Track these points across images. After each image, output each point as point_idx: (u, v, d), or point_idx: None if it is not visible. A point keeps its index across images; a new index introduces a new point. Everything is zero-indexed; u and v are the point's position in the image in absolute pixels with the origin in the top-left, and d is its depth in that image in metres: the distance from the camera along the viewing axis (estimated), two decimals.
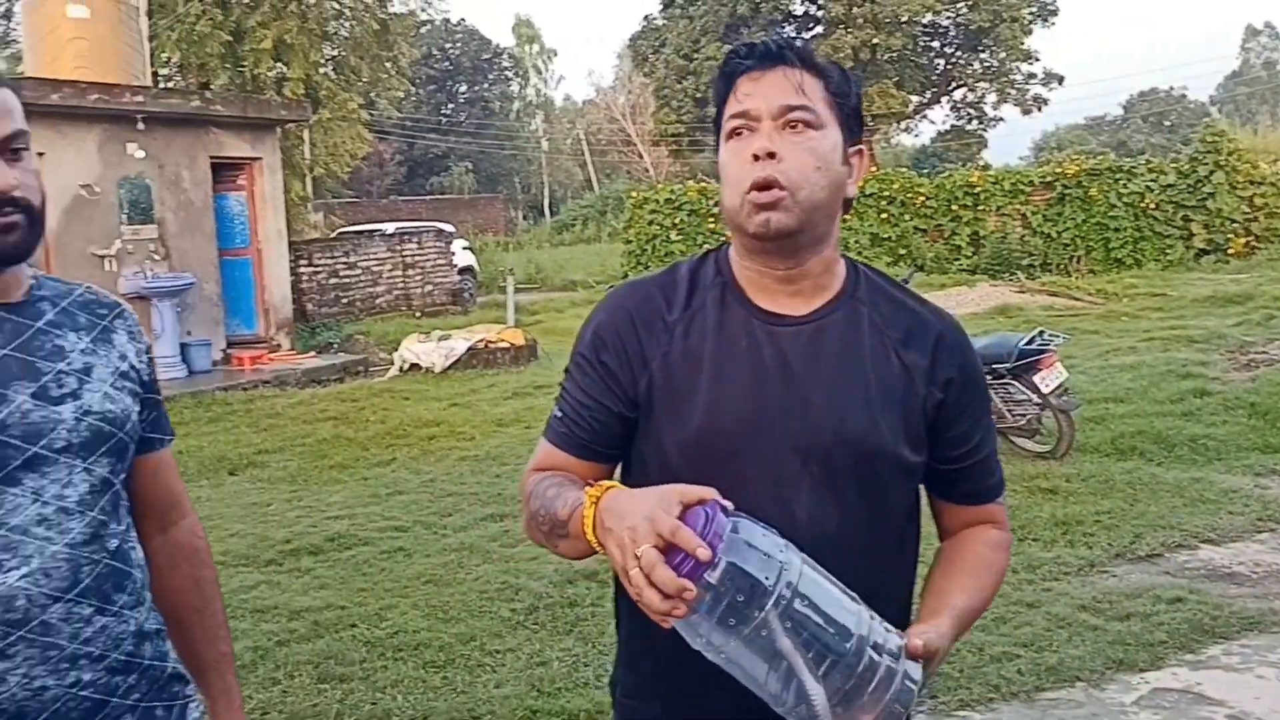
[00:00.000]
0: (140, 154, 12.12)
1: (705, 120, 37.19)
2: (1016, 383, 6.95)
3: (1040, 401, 6.90)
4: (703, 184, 21.04)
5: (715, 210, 20.02)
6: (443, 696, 3.98)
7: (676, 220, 20.17)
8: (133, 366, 1.59)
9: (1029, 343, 6.98)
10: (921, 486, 1.56)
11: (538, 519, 1.45)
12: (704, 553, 1.14)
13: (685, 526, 1.16)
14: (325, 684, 4.13)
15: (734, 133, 1.45)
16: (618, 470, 1.58)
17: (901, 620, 1.40)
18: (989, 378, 7.00)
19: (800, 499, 1.42)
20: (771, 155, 1.40)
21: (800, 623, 1.17)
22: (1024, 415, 6.96)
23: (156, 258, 12.29)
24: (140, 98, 12.11)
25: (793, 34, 37.46)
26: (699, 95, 34.96)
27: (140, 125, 12.00)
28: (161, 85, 18.37)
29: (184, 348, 12.13)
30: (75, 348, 1.51)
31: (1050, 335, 7.15)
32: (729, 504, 1.21)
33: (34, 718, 1.40)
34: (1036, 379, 6.88)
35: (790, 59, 1.45)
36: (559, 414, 1.55)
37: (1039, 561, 5.17)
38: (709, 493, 1.20)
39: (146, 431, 1.61)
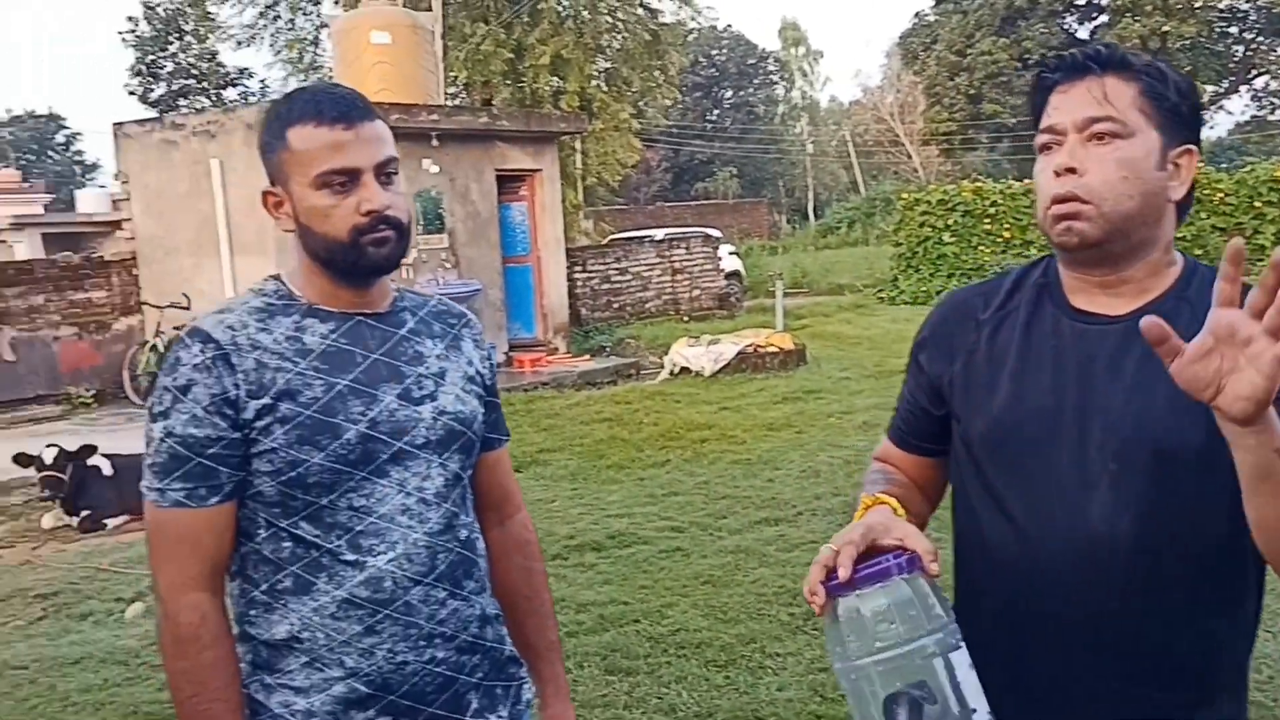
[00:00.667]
0: (434, 169, 12.93)
1: (979, 118, 36.04)
2: None
3: None
4: (977, 184, 20.33)
5: (991, 211, 19.34)
6: (726, 695, 4.06)
7: (950, 221, 19.54)
8: (478, 371, 1.74)
9: None
10: None
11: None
12: (843, 573, 1.25)
13: (852, 550, 1.28)
14: (613, 676, 4.30)
15: (1044, 148, 1.47)
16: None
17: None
18: None
19: (1095, 497, 1.40)
20: (1071, 170, 1.41)
21: (902, 695, 1.21)
22: None
23: (447, 266, 13.07)
24: (435, 116, 12.92)
25: (1074, 23, 35.77)
26: (972, 92, 33.91)
27: (434, 142, 12.79)
28: (451, 103, 19.51)
29: None
30: (432, 353, 1.67)
31: None
32: (930, 567, 1.28)
33: (396, 689, 1.56)
34: None
35: (1095, 68, 1.43)
36: (895, 409, 1.68)
37: None
38: (918, 546, 1.29)
39: (488, 431, 1.76)
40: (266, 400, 1.52)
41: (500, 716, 1.68)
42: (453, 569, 1.61)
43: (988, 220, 19.21)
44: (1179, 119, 1.45)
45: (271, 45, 28.00)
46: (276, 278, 1.66)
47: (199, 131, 12.30)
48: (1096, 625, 1.40)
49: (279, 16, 27.24)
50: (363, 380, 1.58)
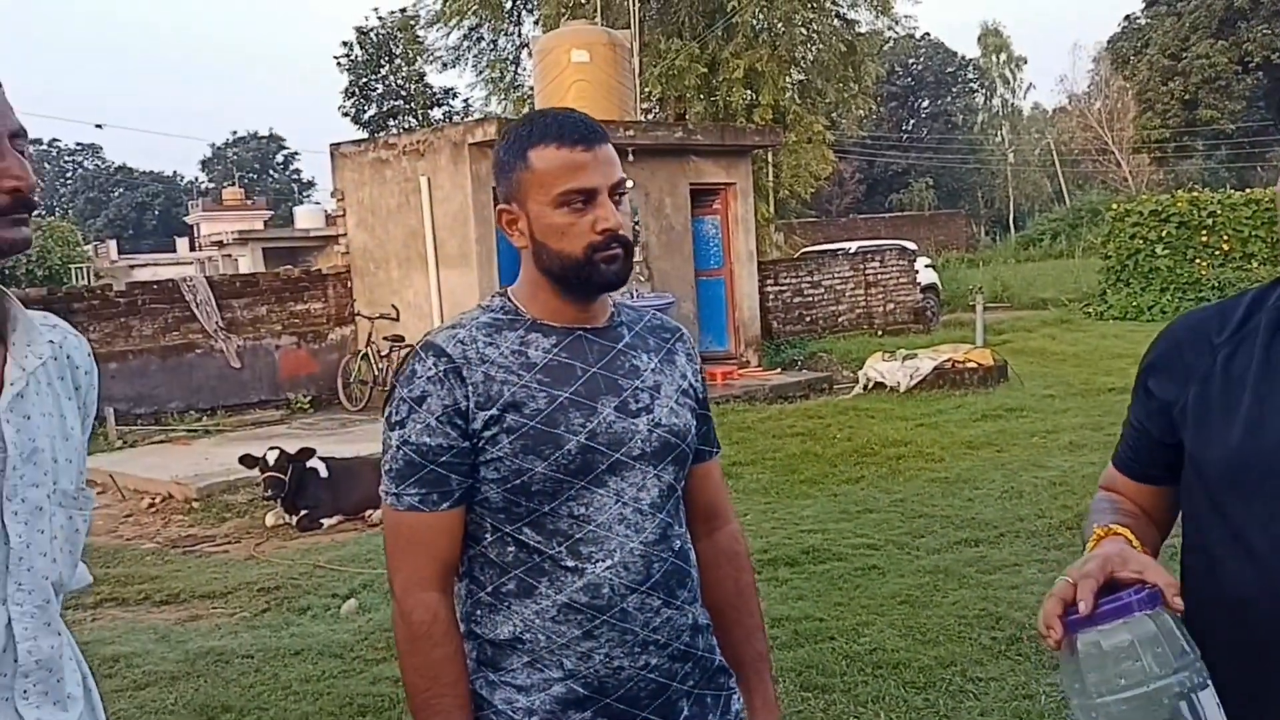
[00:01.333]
0: (630, 183, 13.07)
1: (1194, 124, 34.20)
2: None
3: None
4: (1193, 193, 19.25)
5: (1209, 222, 18.30)
6: (924, 718, 3.98)
7: (1163, 234, 18.53)
8: (691, 385, 1.78)
9: None
10: None
11: (1084, 538, 1.50)
12: (1084, 607, 1.22)
13: (1092, 583, 1.24)
14: (808, 692, 4.27)
15: None
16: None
17: None
18: None
19: None
20: None
21: None
22: None
23: (642, 279, 13.26)
24: (631, 132, 13.15)
25: None
26: (1187, 97, 32.24)
27: (630, 157, 13.01)
28: (646, 118, 19.81)
29: None
30: (647, 367, 1.72)
31: None
32: (1174, 602, 1.22)
33: (611, 693, 1.61)
34: None
35: None
36: (1121, 435, 1.62)
37: None
38: (1160, 579, 1.24)
39: (699, 443, 1.79)
40: (494, 411, 1.60)
41: None
42: (667, 578, 1.64)
43: (1204, 232, 18.18)
44: None
45: (474, 66, 29.01)
46: (503, 294, 1.74)
47: (409, 150, 12.88)
48: None
49: (482, 38, 28.19)
50: (583, 393, 1.64)
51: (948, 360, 12.17)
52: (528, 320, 1.69)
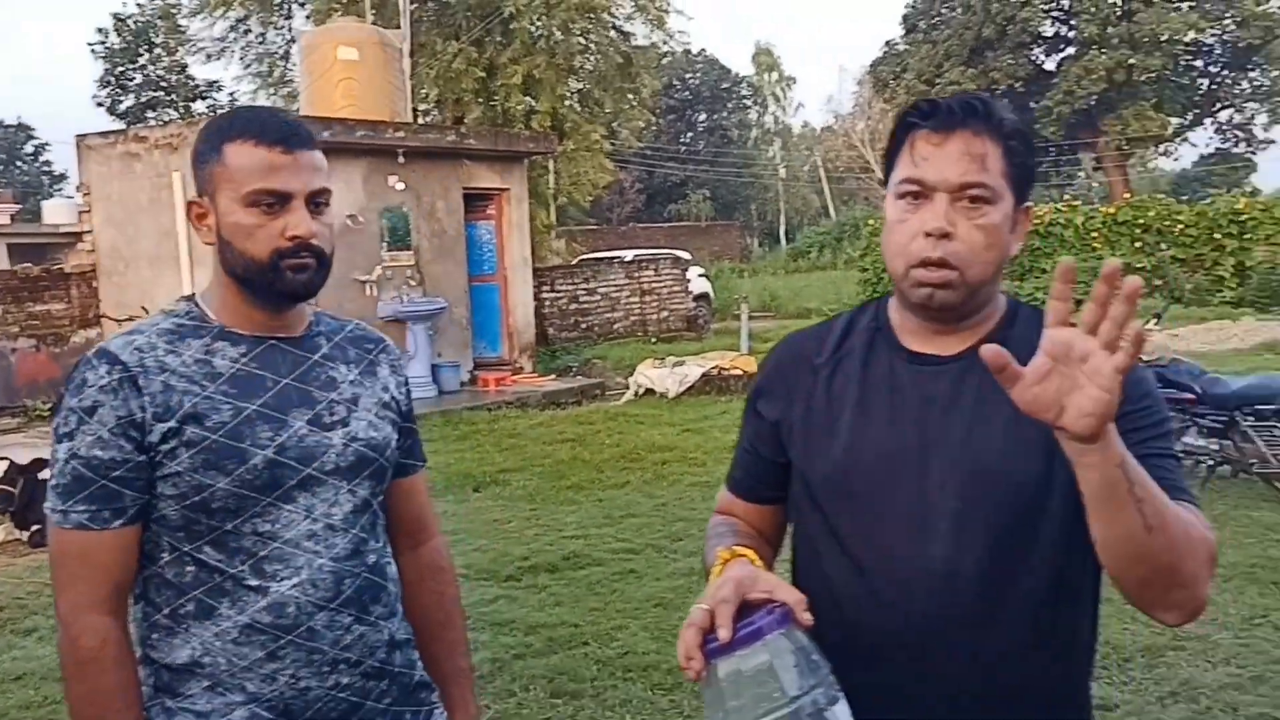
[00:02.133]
0: (400, 186, 12.91)
1: None
2: None
3: None
4: None
5: None
6: (669, 719, 4.05)
7: None
8: (394, 398, 1.74)
9: None
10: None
11: (704, 562, 1.52)
12: (724, 633, 1.21)
13: (729, 609, 1.23)
14: (558, 699, 4.27)
15: (906, 194, 1.42)
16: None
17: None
18: (1251, 419, 6.56)
19: (938, 536, 1.40)
20: (946, 235, 1.38)
21: None
22: None
23: (412, 283, 13.04)
24: (401, 133, 12.92)
25: (1041, 55, 36.17)
26: None
27: (401, 159, 12.79)
28: (420, 121, 19.50)
29: (435, 369, 12.82)
30: (345, 379, 1.66)
31: None
32: (803, 618, 1.24)
33: (298, 715, 1.55)
34: None
35: (975, 125, 1.39)
36: (733, 459, 1.66)
37: None
38: (788, 597, 1.25)
39: (402, 458, 1.75)
40: (173, 424, 1.51)
41: None
42: (360, 594, 1.59)
43: None
44: (1028, 180, 1.45)
45: (241, 59, 27.91)
46: (190, 298, 1.65)
47: (161, 144, 12.25)
48: (941, 661, 1.39)
49: (249, 30, 27.16)
50: (272, 405, 1.57)
51: (715, 367, 12.50)
52: (215, 327, 1.61)
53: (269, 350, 1.61)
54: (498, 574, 5.95)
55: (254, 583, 1.53)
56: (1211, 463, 6.77)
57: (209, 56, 28.19)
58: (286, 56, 26.92)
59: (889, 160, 1.46)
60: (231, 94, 35.17)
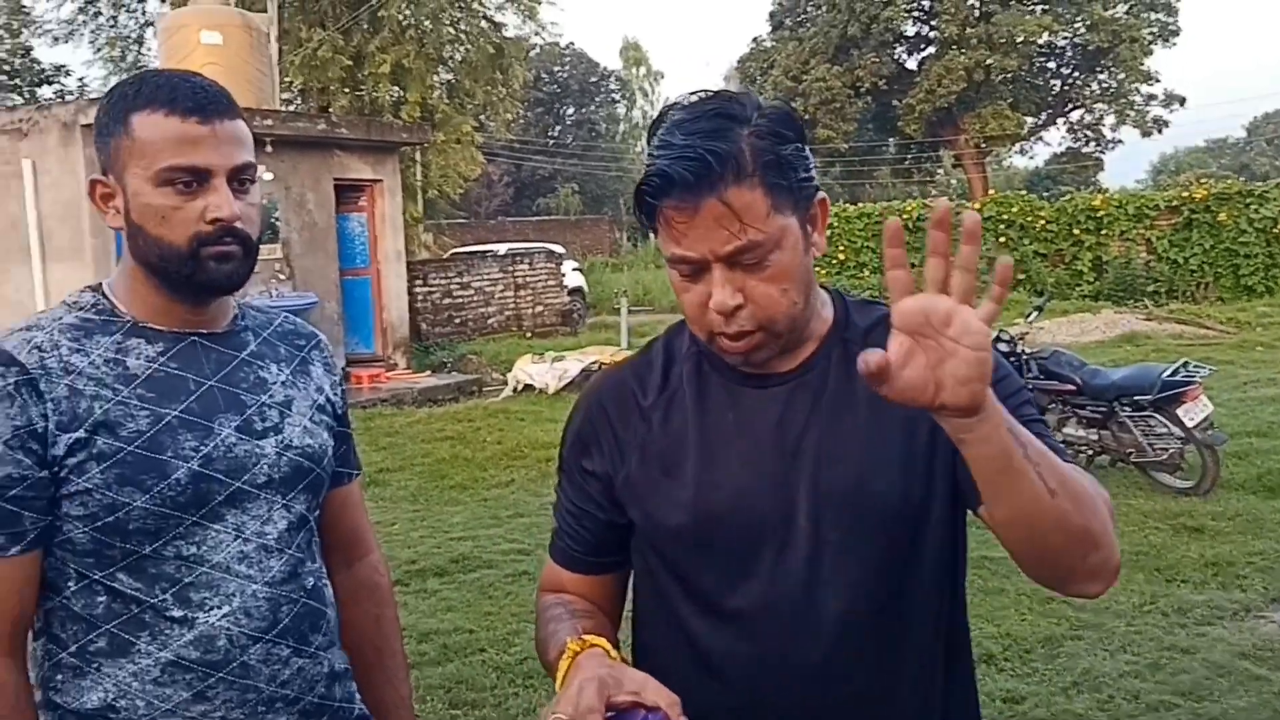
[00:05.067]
0: (268, 175, 12.42)
1: (813, 143, 36.94)
2: (1158, 415, 6.67)
3: (1183, 435, 6.61)
4: None
5: (826, 233, 19.78)
6: None
7: None
8: (329, 399, 1.57)
9: (1172, 374, 6.69)
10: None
11: (540, 650, 1.37)
12: None
13: (598, 719, 1.10)
14: (457, 710, 4.11)
15: (679, 269, 1.26)
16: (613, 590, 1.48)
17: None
18: (1129, 409, 6.75)
19: (821, 573, 1.28)
20: (737, 308, 1.23)
21: None
22: (1165, 449, 6.68)
23: (281, 277, 12.57)
24: (269, 121, 12.43)
25: (904, 54, 37.04)
26: (806, 117, 34.71)
27: (269, 148, 12.29)
28: (287, 109, 18.88)
29: None
30: (277, 380, 1.49)
31: (1196, 367, 6.85)
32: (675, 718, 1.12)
33: None
34: (1180, 412, 6.59)
35: (718, 186, 1.19)
36: (555, 527, 1.46)
37: (1190, 604, 4.93)
38: (660, 699, 1.12)
39: (337, 465, 1.58)
40: (80, 434, 1.32)
41: None
42: (298, 622, 1.42)
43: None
44: (803, 185, 1.27)
45: (92, 43, 26.64)
46: (96, 289, 1.45)
47: (9, 130, 11.53)
48: (821, 694, 1.29)
49: (100, 13, 25.94)
50: (196, 410, 1.39)
51: (595, 362, 12.38)
52: (127, 322, 1.41)
53: (190, 348, 1.43)
54: None
55: (178, 613, 1.35)
56: (1091, 452, 6.96)
57: (56, 39, 26.88)
58: (141, 40, 25.80)
59: (649, 224, 1.28)
60: (81, 80, 33.59)
